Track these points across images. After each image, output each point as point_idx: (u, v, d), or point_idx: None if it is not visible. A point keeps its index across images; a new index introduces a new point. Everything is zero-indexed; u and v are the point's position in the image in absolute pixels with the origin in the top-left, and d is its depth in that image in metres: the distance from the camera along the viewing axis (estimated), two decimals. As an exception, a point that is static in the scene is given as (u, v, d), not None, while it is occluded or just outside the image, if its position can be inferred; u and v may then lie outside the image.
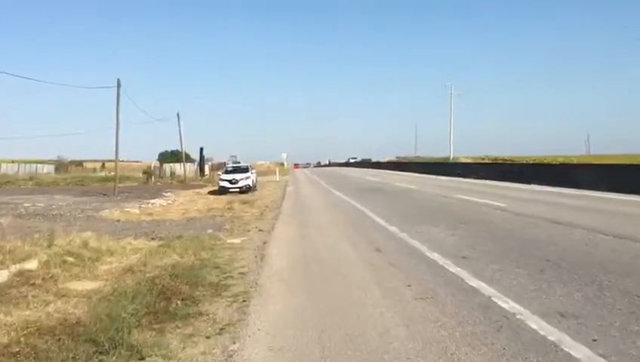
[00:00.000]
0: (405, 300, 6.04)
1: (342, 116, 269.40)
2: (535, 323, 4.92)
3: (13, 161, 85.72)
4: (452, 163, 55.55)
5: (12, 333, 5.15)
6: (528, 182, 26.55)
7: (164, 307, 6.14)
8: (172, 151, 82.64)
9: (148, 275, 7.98)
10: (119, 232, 14.20)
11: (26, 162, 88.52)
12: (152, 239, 12.63)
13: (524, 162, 50.85)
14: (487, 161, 66.89)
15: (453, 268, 7.54)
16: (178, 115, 51.39)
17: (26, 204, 23.37)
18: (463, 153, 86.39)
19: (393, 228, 12.13)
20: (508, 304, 5.58)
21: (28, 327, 5.30)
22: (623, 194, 18.70)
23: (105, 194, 29.69)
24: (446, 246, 9.44)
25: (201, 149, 65.10)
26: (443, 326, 4.99)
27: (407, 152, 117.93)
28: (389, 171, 61.17)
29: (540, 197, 19.31)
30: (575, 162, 46.59)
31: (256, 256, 9.82)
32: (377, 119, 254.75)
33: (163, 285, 7.06)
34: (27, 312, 6.00)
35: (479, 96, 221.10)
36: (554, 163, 39.81)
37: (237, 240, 12.14)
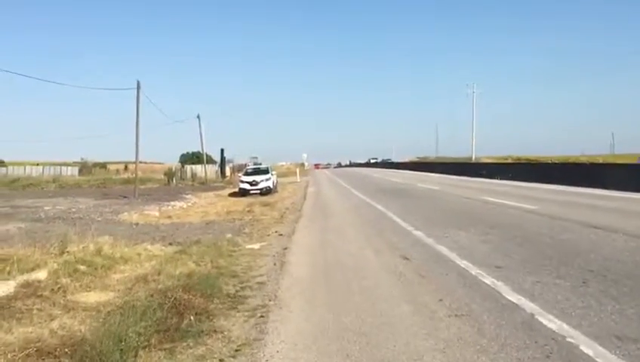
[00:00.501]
0: (438, 317, 5.49)
1: (363, 117, 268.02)
2: (590, 348, 4.34)
3: (38, 164, 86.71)
4: (475, 163, 54.58)
5: (9, 355, 4.73)
6: (556, 183, 25.71)
7: (176, 323, 5.67)
8: (193, 153, 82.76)
9: (161, 286, 7.55)
10: (136, 236, 13.85)
11: (50, 164, 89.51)
12: (170, 244, 12.25)
13: (550, 162, 49.72)
14: (510, 161, 65.75)
15: (487, 280, 6.97)
16: (198, 116, 51.42)
17: (46, 208, 23.27)
18: (485, 153, 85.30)
19: (419, 233, 11.57)
20: (554, 323, 5.00)
21: (27, 347, 4.88)
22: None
23: (125, 197, 29.54)
24: (477, 254, 8.85)
25: (222, 151, 65.08)
26: (484, 351, 4.43)
27: (428, 153, 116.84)
28: (410, 172, 60.36)
29: (571, 198, 18.53)
30: (601, 161, 45.41)
31: (275, 264, 9.35)
32: (398, 120, 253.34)
33: (176, 298, 6.59)
34: (30, 329, 5.59)
35: (501, 95, 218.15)
36: (581, 162, 38.63)
37: (256, 246, 11.69)
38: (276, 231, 13.91)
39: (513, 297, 6.04)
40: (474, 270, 7.60)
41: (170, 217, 19.65)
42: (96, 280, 8.05)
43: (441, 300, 6.15)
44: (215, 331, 5.50)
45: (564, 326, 4.91)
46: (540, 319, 5.17)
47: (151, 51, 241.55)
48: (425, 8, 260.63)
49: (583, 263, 7.67)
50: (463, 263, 8.12)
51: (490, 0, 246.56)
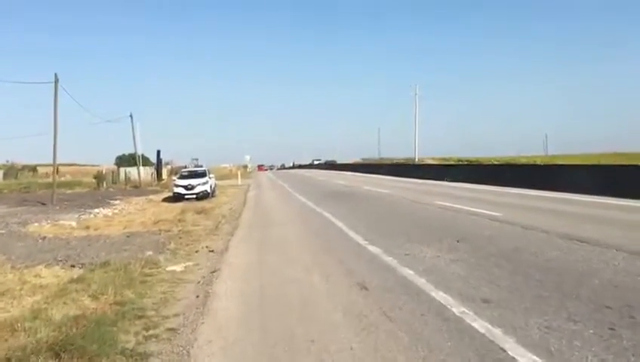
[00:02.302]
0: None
1: (307, 118, 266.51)
2: None
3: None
4: (422, 165, 53.65)
5: None
6: (508, 185, 24.58)
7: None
8: (130, 155, 78.53)
9: (31, 339, 5.40)
10: (35, 255, 11.46)
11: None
12: (72, 267, 9.97)
13: (494, 163, 49.33)
14: (453, 163, 65.42)
15: (478, 324, 5.16)
16: (131, 115, 48.16)
17: (-58, 218, 20.16)
18: (427, 154, 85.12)
19: (374, 249, 9.74)
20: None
21: None
22: (613, 198, 16.80)
23: (44, 204, 26.50)
24: (453, 280, 7.07)
25: (158, 152, 61.66)
26: None
27: (371, 154, 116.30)
28: (356, 173, 58.89)
29: (532, 203, 17.18)
30: (539, 163, 45.16)
31: (197, 296, 7.30)
32: (342, 121, 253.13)
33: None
34: None
35: (438, 98, 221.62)
36: (533, 164, 38.00)
37: (179, 268, 9.58)
38: (207, 247, 11.80)
39: (525, 360, 4.23)
40: (456, 307, 5.79)
41: (87, 228, 17.11)
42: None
43: (424, 364, 4.28)
44: None
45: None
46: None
47: (83, 50, 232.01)
48: (369, 10, 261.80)
49: (592, 295, 5.98)
50: (439, 295, 6.31)
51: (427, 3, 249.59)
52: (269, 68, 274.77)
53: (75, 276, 8.89)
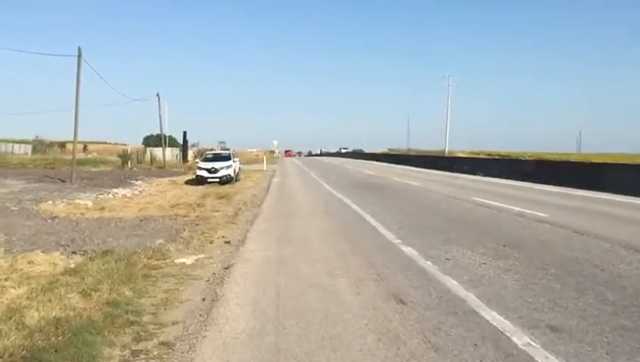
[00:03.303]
0: None
1: (335, 106, 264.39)
2: None
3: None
4: (453, 158, 51.93)
5: None
6: (547, 183, 23.11)
7: None
8: (158, 135, 78.28)
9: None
10: (38, 237, 10.62)
11: (4, 141, 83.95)
12: (72, 253, 9.02)
13: (529, 159, 47.37)
14: (489, 157, 63.35)
15: (553, 365, 3.99)
16: (158, 94, 47.44)
17: (-42, 191, 19.58)
18: (456, 148, 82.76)
19: (409, 250, 8.58)
20: None
21: None
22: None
23: (64, 181, 25.86)
24: (507, 297, 5.88)
25: (185, 133, 61.04)
26: None
27: (399, 144, 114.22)
28: (383, 164, 57.55)
29: (580, 204, 15.74)
30: (574, 160, 43.10)
31: (204, 299, 6.24)
32: (370, 110, 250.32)
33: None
34: None
35: (468, 91, 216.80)
36: (576, 161, 36.06)
37: (189, 260, 8.57)
38: (223, 237, 10.77)
39: None
40: (517, 336, 4.62)
41: (102, 209, 16.26)
42: None
43: None
44: None
45: None
46: None
47: (112, 30, 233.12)
48: (405, 2, 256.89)
49: (693, 330, 4.74)
50: (494, 317, 5.14)
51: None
52: (300, 56, 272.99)
53: (73, 265, 7.93)
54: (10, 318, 5.26)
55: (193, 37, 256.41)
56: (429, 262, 7.67)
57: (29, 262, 8.02)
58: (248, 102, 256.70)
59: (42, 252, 8.95)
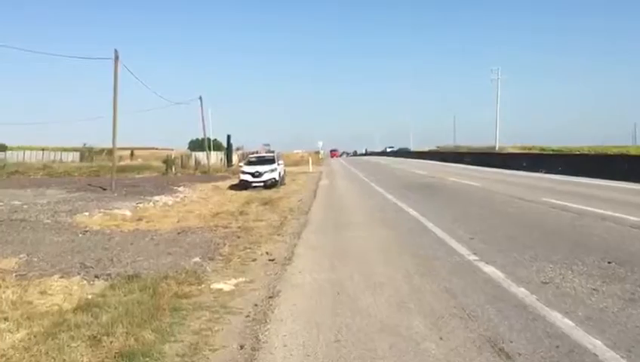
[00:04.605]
0: None
1: (379, 105, 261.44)
2: None
3: (44, 149, 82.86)
4: (510, 154, 49.37)
5: None
6: (620, 179, 20.91)
7: None
8: (203, 139, 78.17)
9: None
10: (62, 257, 9.56)
11: (54, 150, 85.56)
12: (94, 278, 7.83)
13: (596, 153, 44.43)
14: (537, 152, 60.24)
15: None
16: (200, 98, 46.94)
17: (-3, 203, 18.93)
18: (505, 143, 79.01)
19: (493, 271, 7.02)
20: None
21: None
22: None
23: (105, 189, 25.18)
24: (653, 347, 4.28)
25: (229, 137, 60.39)
26: None
27: (444, 142, 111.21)
28: (433, 162, 55.35)
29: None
30: (634, 153, 39.94)
31: (242, 346, 4.88)
32: (415, 108, 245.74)
33: None
34: None
35: (516, 84, 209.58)
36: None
37: (227, 285, 7.27)
38: (267, 253, 9.43)
39: None
40: None
41: (139, 219, 15.22)
42: None
43: None
44: None
45: None
46: None
47: (155, 37, 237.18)
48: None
49: None
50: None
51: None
52: (343, 55, 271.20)
53: (90, 295, 6.71)
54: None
55: (235, 39, 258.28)
56: (522, 289, 6.09)
57: (41, 292, 6.84)
58: (292, 103, 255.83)
59: (61, 277, 7.80)
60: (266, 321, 5.53)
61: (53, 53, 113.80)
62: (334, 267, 7.93)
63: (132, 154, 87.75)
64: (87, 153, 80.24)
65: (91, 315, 5.73)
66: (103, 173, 42.91)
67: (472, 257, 7.94)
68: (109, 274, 7.97)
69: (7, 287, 6.94)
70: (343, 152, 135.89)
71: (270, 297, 6.48)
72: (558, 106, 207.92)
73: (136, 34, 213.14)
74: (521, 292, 5.96)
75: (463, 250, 8.54)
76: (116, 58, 22.96)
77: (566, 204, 13.81)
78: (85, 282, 7.59)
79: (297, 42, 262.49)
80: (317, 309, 5.84)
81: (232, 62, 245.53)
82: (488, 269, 7.13)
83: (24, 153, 72.91)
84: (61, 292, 6.92)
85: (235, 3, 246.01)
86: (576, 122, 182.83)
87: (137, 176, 40.43)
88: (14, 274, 7.80)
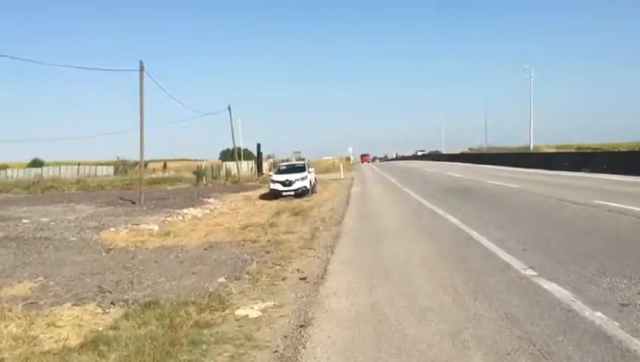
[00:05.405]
0: None
1: (409, 109, 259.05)
2: None
3: (79, 163, 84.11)
4: (544, 153, 47.75)
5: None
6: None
7: None
8: (233, 149, 77.98)
9: None
10: (78, 280, 8.99)
11: (88, 164, 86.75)
12: (110, 305, 7.16)
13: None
14: (573, 151, 58.11)
15: None
16: (229, 108, 46.56)
17: (25, 220, 18.57)
18: (537, 142, 76.29)
19: (557, 290, 6.06)
20: None
21: None
22: None
23: (134, 203, 24.78)
24: None
25: (258, 146, 59.88)
26: None
27: (475, 144, 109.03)
28: (466, 164, 53.88)
29: None
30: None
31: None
32: (445, 111, 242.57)
33: None
34: None
35: (548, 82, 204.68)
36: None
37: (254, 311, 6.51)
38: (298, 271, 8.65)
39: None
40: None
41: (167, 234, 14.63)
42: None
43: None
44: None
45: None
46: None
47: (181, 49, 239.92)
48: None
49: None
50: None
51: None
52: (372, 61, 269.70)
53: (101, 327, 6.01)
54: None
55: (264, 48, 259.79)
56: (598, 313, 5.14)
57: (49, 325, 6.17)
58: (322, 110, 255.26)
59: (74, 304, 7.14)
60: (297, 359, 4.73)
61: (84, 67, 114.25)
62: (372, 287, 7.08)
63: (165, 165, 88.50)
64: (120, 166, 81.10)
65: (98, 354, 5.01)
66: (134, 186, 42.78)
67: (529, 272, 6.99)
68: (125, 301, 7.28)
69: (12, 319, 6.28)
70: (373, 157, 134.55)
71: (301, 326, 5.67)
72: (585, 104, 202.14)
73: (164, 45, 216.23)
74: (598, 318, 5.02)
75: (516, 263, 7.58)
76: (141, 69, 22.58)
77: (624, 206, 12.65)
78: (100, 310, 6.92)
79: (325, 48, 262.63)
80: (356, 343, 4.99)
81: (260, 70, 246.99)
82: (551, 287, 6.19)
83: (60, 168, 73.97)
84: (70, 323, 6.24)
85: (262, 12, 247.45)
86: (605, 118, 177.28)
87: (169, 187, 40.18)
88: (24, 304, 7.14)
